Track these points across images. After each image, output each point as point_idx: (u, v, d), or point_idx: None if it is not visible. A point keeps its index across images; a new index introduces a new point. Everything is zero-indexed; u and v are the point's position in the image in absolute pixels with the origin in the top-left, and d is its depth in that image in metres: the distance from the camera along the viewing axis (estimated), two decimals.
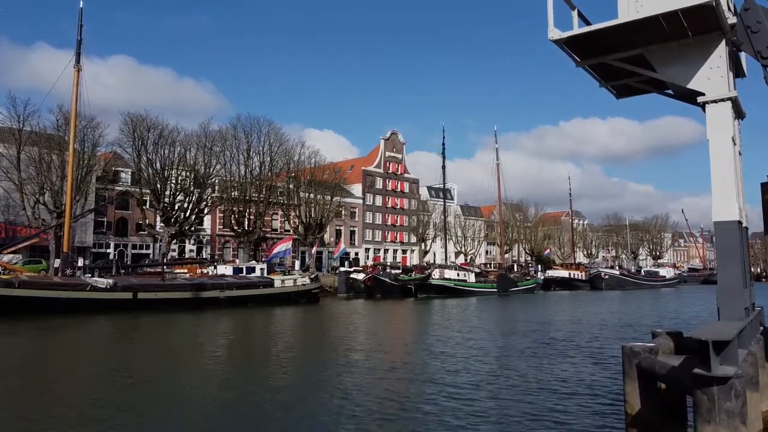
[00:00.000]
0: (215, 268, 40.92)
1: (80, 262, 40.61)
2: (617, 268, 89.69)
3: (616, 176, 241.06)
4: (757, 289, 9.90)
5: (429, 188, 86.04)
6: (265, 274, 40.15)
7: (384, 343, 20.16)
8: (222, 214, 56.39)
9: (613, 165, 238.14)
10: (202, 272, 41.22)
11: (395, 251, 78.91)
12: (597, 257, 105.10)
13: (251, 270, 40.18)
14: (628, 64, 6.67)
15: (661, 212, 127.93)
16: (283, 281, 39.17)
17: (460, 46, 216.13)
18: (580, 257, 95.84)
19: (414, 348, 18.65)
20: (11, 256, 41.37)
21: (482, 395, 11.07)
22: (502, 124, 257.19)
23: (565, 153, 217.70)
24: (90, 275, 32.25)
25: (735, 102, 6.22)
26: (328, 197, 58.23)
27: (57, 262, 35.80)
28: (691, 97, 6.69)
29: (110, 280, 29.96)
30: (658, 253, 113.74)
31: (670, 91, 7.25)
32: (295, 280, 40.36)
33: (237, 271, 39.94)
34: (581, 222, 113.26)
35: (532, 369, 13.98)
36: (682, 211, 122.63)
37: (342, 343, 19.99)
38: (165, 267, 39.94)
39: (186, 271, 41.32)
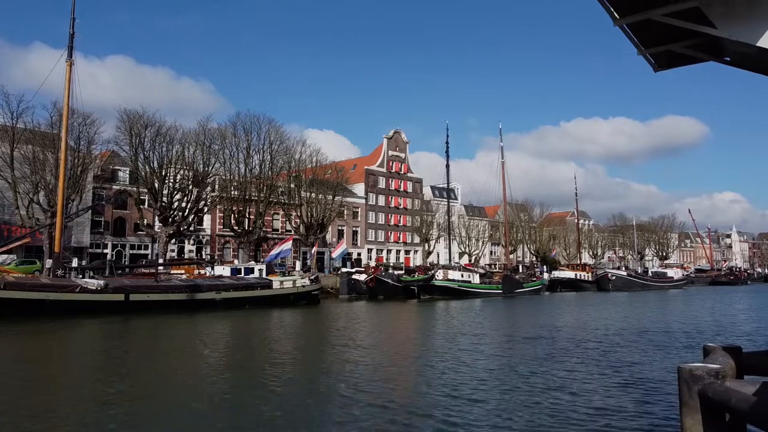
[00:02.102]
0: (212, 268, 39.75)
1: (74, 263, 39.61)
2: (623, 268, 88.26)
3: (619, 177, 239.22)
4: None
5: (432, 188, 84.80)
6: (264, 275, 38.97)
7: (383, 353, 18.71)
8: (222, 214, 55.32)
9: (616, 165, 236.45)
10: (199, 273, 40.13)
11: (398, 252, 77.68)
12: (603, 258, 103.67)
13: (250, 271, 38.97)
14: (679, 20, 5.47)
15: (665, 213, 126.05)
16: (281, 282, 37.94)
17: (460, 46, 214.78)
18: (586, 258, 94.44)
19: (416, 359, 16.84)
20: (5, 256, 40.46)
21: None
22: (503, 124, 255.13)
23: (567, 153, 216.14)
24: (81, 276, 31.12)
25: None
26: (330, 197, 57.10)
27: (49, 263, 34.80)
28: (756, 61, 5.49)
29: (101, 281, 28.82)
30: (664, 254, 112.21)
31: (727, 58, 6.05)
32: (294, 281, 39.14)
33: (235, 271, 38.72)
34: (587, 222, 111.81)
35: (553, 389, 11.82)
36: (689, 211, 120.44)
37: (337, 350, 18.77)
38: (162, 267, 38.83)
39: (183, 271, 40.24)
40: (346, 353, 17.74)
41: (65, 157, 32.49)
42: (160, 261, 42.26)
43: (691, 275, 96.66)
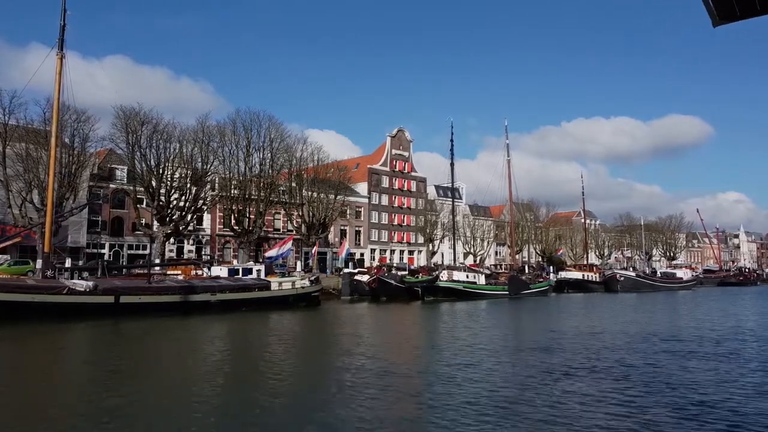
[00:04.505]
0: (209, 269, 38.49)
1: (68, 263, 38.54)
2: (631, 269, 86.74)
3: (621, 177, 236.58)
4: None
5: (437, 187, 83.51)
6: (263, 276, 37.71)
7: (383, 367, 16.51)
8: (222, 214, 54.20)
9: (617, 165, 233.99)
10: (196, 274, 38.92)
11: (402, 252, 76.38)
12: (610, 258, 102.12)
13: (248, 271, 37.70)
14: None
15: (668, 213, 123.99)
16: (280, 283, 36.65)
17: (461, 46, 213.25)
18: (593, 258, 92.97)
19: (419, 375, 14.85)
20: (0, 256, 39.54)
21: None
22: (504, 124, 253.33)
23: (569, 153, 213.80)
24: (71, 277, 29.95)
25: None
26: (332, 196, 55.91)
27: (41, 263, 33.71)
28: None
29: (90, 283, 27.62)
30: (672, 254, 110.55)
31: None
32: (293, 282, 37.85)
33: (232, 272, 37.44)
34: (593, 222, 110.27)
35: (587, 418, 9.96)
36: (698, 211, 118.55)
37: (334, 358, 17.51)
38: (159, 268, 37.64)
39: (180, 272, 39.05)
40: (344, 362, 16.47)
41: (54, 152, 31.37)
42: (156, 261, 41.06)
43: (700, 276, 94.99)
